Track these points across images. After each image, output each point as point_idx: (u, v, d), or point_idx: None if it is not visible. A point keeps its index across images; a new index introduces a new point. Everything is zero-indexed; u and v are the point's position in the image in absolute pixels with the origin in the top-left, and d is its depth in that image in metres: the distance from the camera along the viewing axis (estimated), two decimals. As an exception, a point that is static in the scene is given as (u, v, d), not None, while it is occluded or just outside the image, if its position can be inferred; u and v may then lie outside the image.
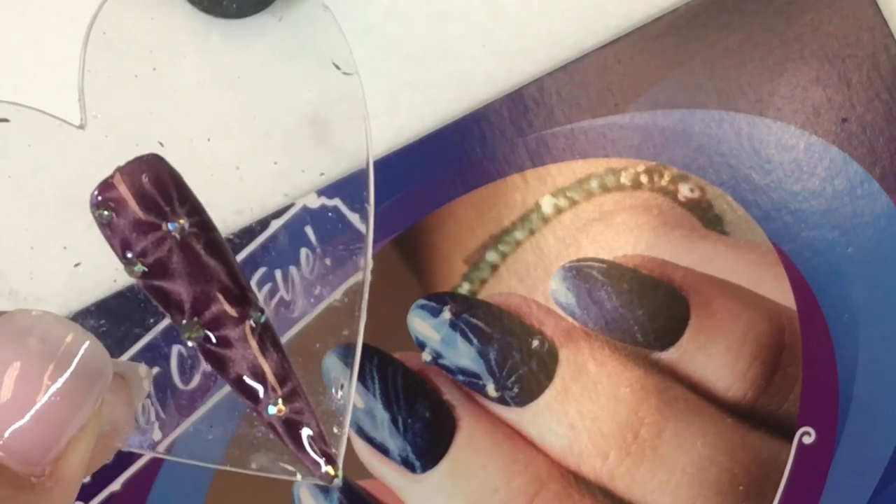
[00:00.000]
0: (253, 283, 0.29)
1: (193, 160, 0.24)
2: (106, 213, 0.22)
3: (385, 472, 0.34)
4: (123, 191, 0.22)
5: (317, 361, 0.26)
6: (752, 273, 0.34)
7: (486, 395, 0.34)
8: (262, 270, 0.30)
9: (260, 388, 0.23)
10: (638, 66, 0.34)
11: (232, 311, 0.23)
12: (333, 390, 0.25)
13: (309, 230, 0.30)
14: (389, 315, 0.35)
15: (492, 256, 0.35)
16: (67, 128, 0.25)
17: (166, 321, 0.28)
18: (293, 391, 0.23)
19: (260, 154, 0.34)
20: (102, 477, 0.34)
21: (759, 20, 0.34)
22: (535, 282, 0.35)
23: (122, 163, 0.23)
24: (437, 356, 0.34)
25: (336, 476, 0.23)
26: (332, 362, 0.34)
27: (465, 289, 0.35)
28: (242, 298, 0.23)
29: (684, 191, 0.34)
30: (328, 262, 0.29)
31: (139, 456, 0.35)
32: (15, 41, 0.35)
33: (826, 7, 0.34)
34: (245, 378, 0.23)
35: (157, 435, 0.26)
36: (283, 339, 0.24)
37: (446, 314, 0.34)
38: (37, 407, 0.18)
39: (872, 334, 0.34)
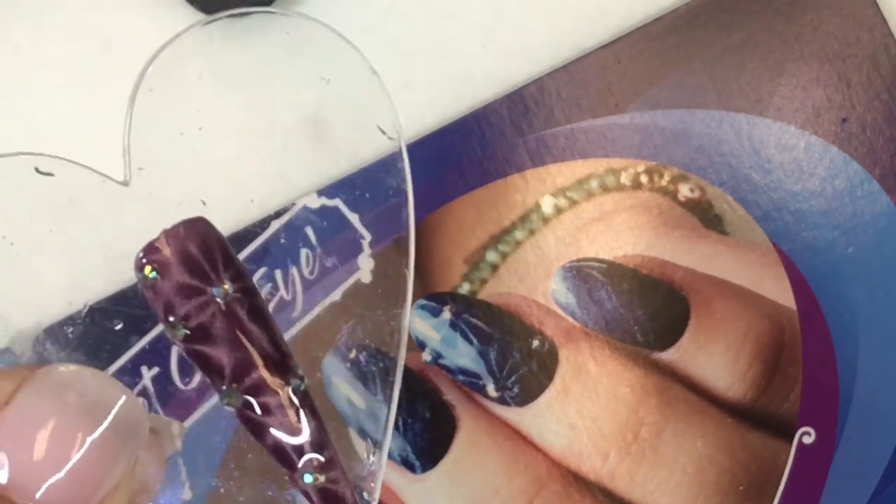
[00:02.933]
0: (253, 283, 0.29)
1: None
2: (150, 275, 0.22)
3: (385, 472, 0.34)
4: (168, 254, 0.22)
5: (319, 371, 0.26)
6: (752, 273, 0.34)
7: (486, 395, 0.34)
8: (262, 270, 0.30)
9: (296, 456, 0.23)
10: (638, 66, 0.34)
11: (272, 380, 0.22)
12: (366, 455, 0.25)
13: (309, 230, 0.30)
14: (389, 315, 0.34)
15: (492, 256, 0.35)
16: (111, 184, 0.25)
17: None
18: (330, 460, 0.23)
19: (260, 154, 0.34)
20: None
21: (759, 20, 0.34)
22: (535, 282, 0.35)
23: (165, 222, 0.22)
24: (437, 356, 0.34)
25: None
26: (331, 363, 0.34)
27: (465, 289, 0.35)
28: (283, 366, 0.23)
29: (684, 191, 0.34)
30: (328, 262, 0.29)
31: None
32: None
33: (826, 7, 0.34)
34: (282, 446, 0.23)
35: (187, 494, 0.26)
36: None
37: (446, 314, 0.34)
38: (73, 462, 0.18)
39: (872, 334, 0.34)
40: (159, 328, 0.28)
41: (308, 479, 0.23)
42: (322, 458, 0.23)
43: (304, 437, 0.23)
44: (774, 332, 0.34)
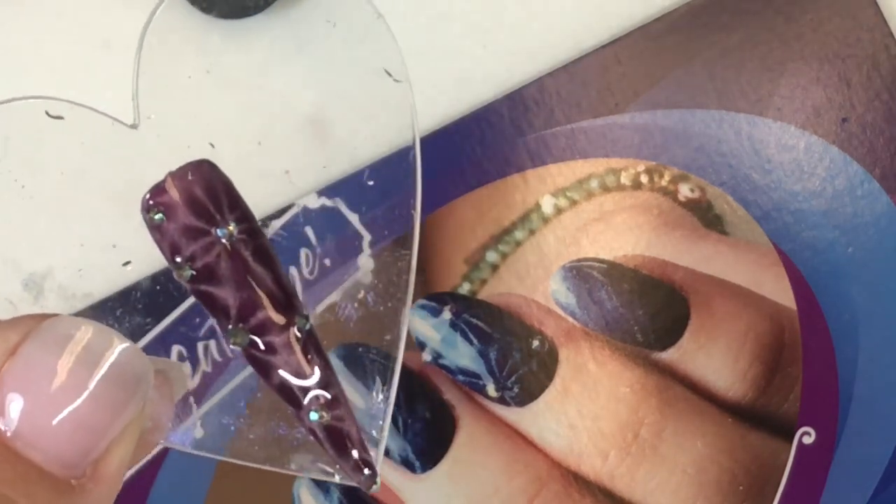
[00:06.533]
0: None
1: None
2: (156, 217, 0.22)
3: (385, 472, 0.34)
4: (174, 195, 0.22)
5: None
6: (753, 273, 0.34)
7: (486, 395, 0.34)
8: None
9: (301, 395, 0.23)
10: (638, 66, 0.34)
11: (277, 318, 0.23)
12: (374, 393, 0.26)
13: (309, 230, 0.30)
14: (389, 315, 0.34)
15: (492, 256, 0.35)
16: (120, 127, 0.25)
17: (166, 322, 0.28)
18: (335, 398, 0.23)
19: (260, 155, 0.34)
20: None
21: (759, 20, 0.34)
22: (536, 282, 0.35)
23: (173, 165, 0.23)
24: (437, 356, 0.34)
25: (374, 483, 0.24)
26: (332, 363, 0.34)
27: (465, 289, 0.35)
28: (288, 306, 0.23)
29: (684, 191, 0.34)
30: (328, 262, 0.29)
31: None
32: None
33: (826, 7, 0.34)
34: (288, 384, 0.23)
35: (198, 433, 0.26)
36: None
37: (446, 314, 0.34)
38: (77, 414, 0.19)
39: (872, 334, 0.34)
40: (158, 329, 0.28)
41: (314, 416, 0.23)
42: (328, 396, 0.23)
43: (310, 375, 0.23)
44: (774, 332, 0.34)
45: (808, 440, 0.34)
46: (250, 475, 0.35)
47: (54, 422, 0.19)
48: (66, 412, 0.19)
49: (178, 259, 0.23)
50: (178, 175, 0.23)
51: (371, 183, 0.33)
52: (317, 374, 0.23)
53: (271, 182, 0.35)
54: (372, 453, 0.24)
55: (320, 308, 0.28)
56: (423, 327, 0.35)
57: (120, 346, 0.20)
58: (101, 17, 0.36)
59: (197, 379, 0.28)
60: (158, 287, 0.30)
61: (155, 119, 0.26)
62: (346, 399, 0.24)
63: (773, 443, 0.34)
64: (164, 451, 0.35)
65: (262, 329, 0.23)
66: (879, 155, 0.34)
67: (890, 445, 0.34)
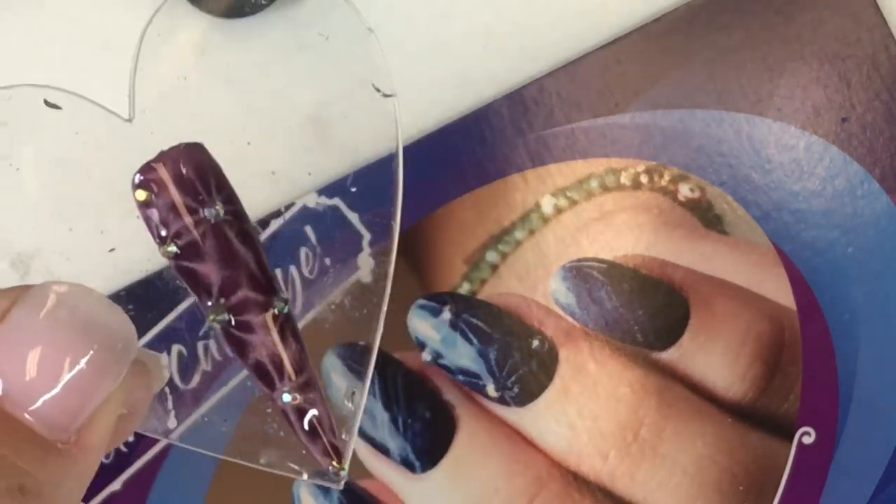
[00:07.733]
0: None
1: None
2: (145, 193, 0.23)
3: (385, 472, 0.34)
4: (164, 174, 0.23)
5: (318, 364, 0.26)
6: (752, 273, 0.34)
7: (486, 395, 0.34)
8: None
9: (276, 375, 0.23)
10: (638, 66, 0.34)
11: (257, 298, 0.23)
12: (344, 399, 0.26)
13: (309, 230, 0.30)
14: (390, 315, 0.35)
15: (492, 256, 0.35)
16: (115, 119, 0.26)
17: (165, 322, 0.28)
18: (308, 381, 0.24)
19: (260, 154, 0.34)
20: (102, 476, 0.34)
21: (759, 20, 0.34)
22: (535, 282, 0.35)
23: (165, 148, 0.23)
24: (437, 356, 0.34)
25: (342, 469, 0.24)
26: (331, 362, 0.34)
27: (465, 289, 0.35)
28: (268, 287, 0.23)
29: (684, 191, 0.34)
30: (328, 261, 0.29)
31: (139, 455, 0.35)
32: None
33: (826, 7, 0.34)
34: (263, 364, 0.23)
35: (172, 423, 0.26)
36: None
37: (446, 314, 0.34)
38: (66, 376, 0.19)
39: (872, 334, 0.34)
40: (156, 329, 0.28)
41: (286, 398, 0.23)
42: (301, 379, 0.24)
43: (284, 357, 0.23)
44: (774, 332, 0.34)
45: (808, 440, 0.34)
46: (250, 475, 0.35)
47: (43, 384, 0.19)
48: (54, 374, 0.19)
49: (164, 234, 0.23)
50: (169, 154, 0.23)
51: (370, 182, 0.33)
52: (291, 355, 0.23)
53: (271, 181, 0.35)
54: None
55: (321, 306, 0.28)
56: (423, 327, 0.35)
57: (106, 309, 0.20)
58: (102, 17, 0.36)
59: (197, 378, 0.28)
60: (158, 285, 0.30)
61: (150, 114, 0.26)
62: (319, 384, 0.24)
63: (773, 443, 0.34)
64: (165, 452, 0.35)
65: (242, 308, 0.23)
66: (879, 155, 0.34)
67: (890, 445, 0.34)
